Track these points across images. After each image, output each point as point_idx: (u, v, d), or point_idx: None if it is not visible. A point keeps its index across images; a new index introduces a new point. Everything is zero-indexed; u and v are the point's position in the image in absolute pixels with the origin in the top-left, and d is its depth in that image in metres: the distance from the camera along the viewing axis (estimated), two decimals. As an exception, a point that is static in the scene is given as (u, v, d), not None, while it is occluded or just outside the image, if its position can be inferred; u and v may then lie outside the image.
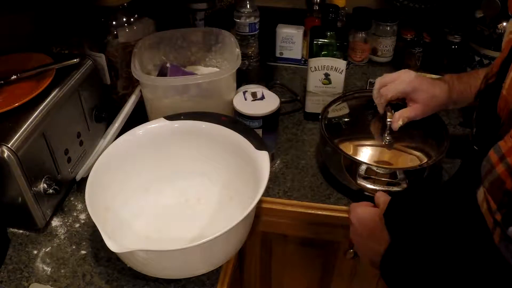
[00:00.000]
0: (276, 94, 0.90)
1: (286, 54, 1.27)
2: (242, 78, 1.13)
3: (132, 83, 1.00)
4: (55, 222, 0.84)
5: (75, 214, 0.86)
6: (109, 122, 0.94)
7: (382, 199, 0.70)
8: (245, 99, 0.89)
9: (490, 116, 0.56)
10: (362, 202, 0.74)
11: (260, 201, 0.72)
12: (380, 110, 0.87)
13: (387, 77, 0.85)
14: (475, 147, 0.62)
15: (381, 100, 0.85)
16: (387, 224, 0.64)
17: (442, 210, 0.61)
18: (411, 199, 0.67)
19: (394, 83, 0.83)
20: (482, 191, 0.49)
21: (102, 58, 0.96)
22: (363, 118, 0.95)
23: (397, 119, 0.83)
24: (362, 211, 0.71)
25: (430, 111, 0.83)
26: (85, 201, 0.69)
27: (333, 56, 0.96)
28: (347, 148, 0.87)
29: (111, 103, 1.01)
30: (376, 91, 0.86)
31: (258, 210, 0.88)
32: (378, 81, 0.86)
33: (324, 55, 0.96)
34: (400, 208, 0.65)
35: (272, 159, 0.94)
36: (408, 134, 0.91)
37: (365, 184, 0.78)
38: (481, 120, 0.63)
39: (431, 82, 0.83)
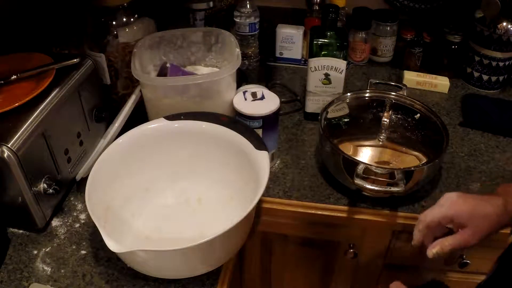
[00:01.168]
0: (276, 94, 0.90)
1: (286, 54, 1.27)
2: (242, 78, 1.13)
3: (132, 83, 1.00)
4: (55, 222, 0.84)
5: (75, 214, 0.86)
6: (109, 122, 0.94)
7: None
8: (245, 99, 0.89)
9: None
10: None
11: (260, 201, 0.73)
12: (415, 239, 0.70)
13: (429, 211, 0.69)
14: None
15: (418, 226, 0.69)
16: None
17: None
18: None
19: (433, 207, 0.69)
20: None
21: (102, 58, 0.96)
22: (363, 118, 0.95)
23: (434, 246, 0.67)
24: None
25: (484, 234, 0.66)
26: (85, 201, 0.69)
27: (333, 56, 0.96)
28: (347, 148, 0.87)
29: (111, 103, 1.01)
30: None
31: (258, 210, 0.88)
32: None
33: (324, 55, 0.96)
34: None
35: (272, 159, 0.94)
36: (408, 134, 0.91)
37: (363, 184, 0.78)
38: None
39: (479, 199, 0.67)
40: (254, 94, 0.89)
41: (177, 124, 0.84)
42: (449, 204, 0.67)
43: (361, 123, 0.94)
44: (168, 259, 0.68)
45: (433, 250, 0.67)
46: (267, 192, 0.89)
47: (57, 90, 0.82)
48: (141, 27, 0.99)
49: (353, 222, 0.87)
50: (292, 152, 0.98)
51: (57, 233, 0.82)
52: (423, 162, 0.84)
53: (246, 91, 0.91)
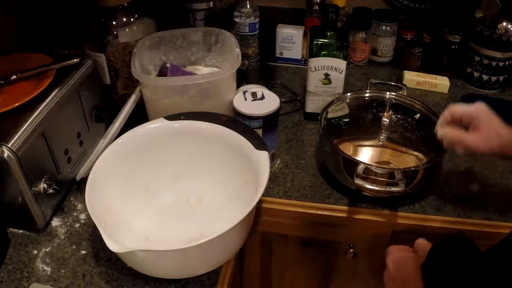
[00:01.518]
0: (276, 94, 0.90)
1: (286, 54, 1.27)
2: (242, 78, 1.13)
3: (132, 83, 1.00)
4: (55, 222, 0.84)
5: (75, 214, 0.86)
6: (109, 122, 0.94)
7: (422, 246, 0.67)
8: (245, 99, 0.89)
9: None
10: (401, 246, 0.71)
11: (260, 201, 0.72)
12: (438, 124, 0.79)
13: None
14: None
15: (444, 113, 0.78)
16: (424, 276, 0.60)
17: (489, 272, 0.54)
18: (454, 254, 0.60)
19: (462, 104, 0.78)
20: None
21: (102, 58, 0.96)
22: (363, 118, 0.95)
23: (444, 127, 0.77)
24: (399, 256, 0.68)
25: (488, 149, 0.74)
26: (85, 201, 0.69)
27: (333, 56, 0.96)
28: (347, 148, 0.87)
29: (111, 103, 1.01)
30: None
31: (258, 210, 0.88)
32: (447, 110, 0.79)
33: (324, 55, 0.96)
34: (441, 262, 0.60)
35: (272, 159, 0.94)
36: (408, 134, 0.91)
37: (363, 184, 0.78)
38: None
39: (500, 122, 0.75)
40: (254, 94, 0.89)
41: (177, 124, 0.84)
42: (476, 107, 0.75)
43: (361, 123, 0.94)
44: (168, 259, 0.68)
45: (441, 131, 0.76)
46: (267, 192, 0.89)
47: (57, 90, 0.82)
48: (141, 27, 0.99)
49: (353, 222, 0.87)
50: (292, 152, 0.98)
51: (57, 233, 0.82)
52: (423, 162, 0.84)
53: (246, 91, 0.91)
